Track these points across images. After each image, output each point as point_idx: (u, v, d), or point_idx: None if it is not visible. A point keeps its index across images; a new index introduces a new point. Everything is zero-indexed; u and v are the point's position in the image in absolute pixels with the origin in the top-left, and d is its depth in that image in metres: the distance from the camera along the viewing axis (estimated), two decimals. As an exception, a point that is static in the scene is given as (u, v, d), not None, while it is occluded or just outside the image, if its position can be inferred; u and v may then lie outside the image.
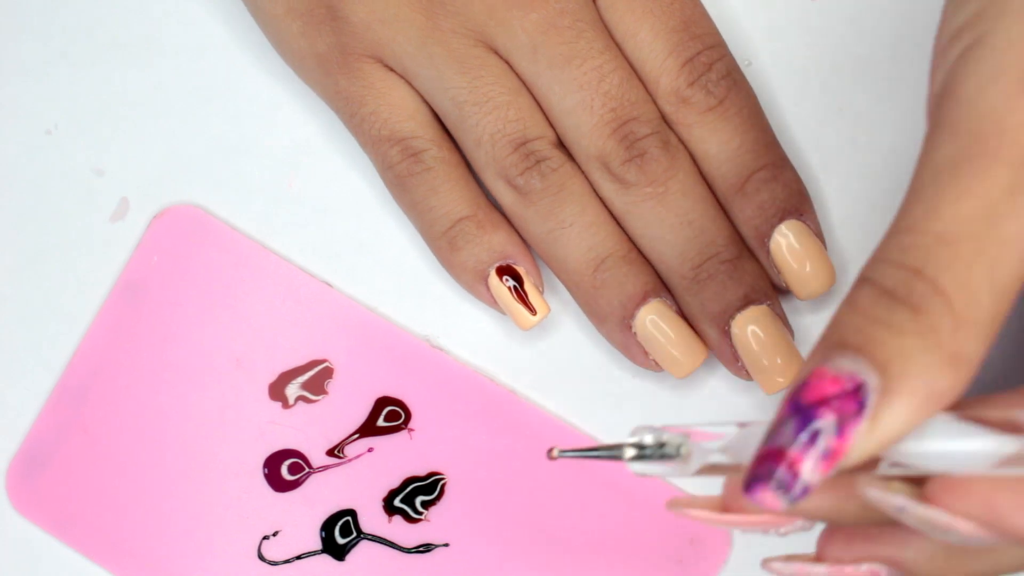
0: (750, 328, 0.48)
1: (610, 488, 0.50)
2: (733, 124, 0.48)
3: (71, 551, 0.52)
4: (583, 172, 0.49)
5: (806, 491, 0.34)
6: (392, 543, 0.51)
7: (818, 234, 0.49)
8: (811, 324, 0.51)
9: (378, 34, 0.49)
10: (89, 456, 0.52)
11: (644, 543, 0.50)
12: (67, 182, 0.53)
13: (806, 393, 0.34)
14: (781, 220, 0.48)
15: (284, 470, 0.51)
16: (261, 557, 0.51)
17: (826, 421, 0.34)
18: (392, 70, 0.49)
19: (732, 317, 0.48)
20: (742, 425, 0.37)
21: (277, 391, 0.52)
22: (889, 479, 0.35)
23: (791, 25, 0.52)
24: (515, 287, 0.50)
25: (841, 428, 0.34)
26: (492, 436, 0.51)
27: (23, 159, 0.53)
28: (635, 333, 0.49)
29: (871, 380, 0.34)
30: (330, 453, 0.51)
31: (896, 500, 0.35)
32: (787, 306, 0.50)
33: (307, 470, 0.51)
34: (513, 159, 0.48)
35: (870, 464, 0.36)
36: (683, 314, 0.49)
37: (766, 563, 0.40)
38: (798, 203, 0.49)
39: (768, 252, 0.49)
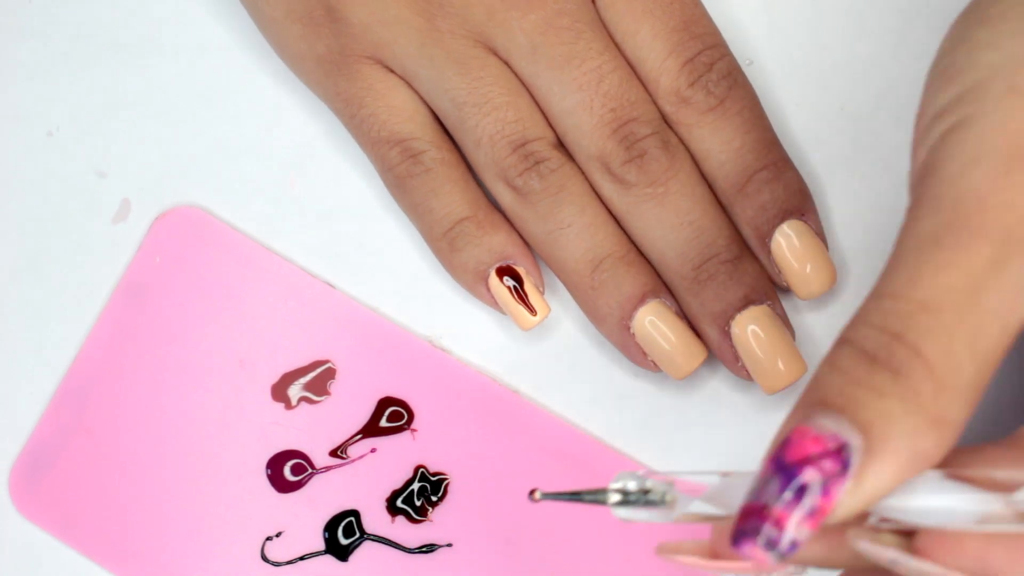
0: (750, 328, 0.48)
1: (613, 488, 0.51)
2: (734, 124, 0.49)
3: (74, 553, 0.52)
4: (583, 173, 0.49)
5: (794, 547, 0.34)
6: (395, 544, 0.51)
7: (819, 234, 0.49)
8: (812, 324, 0.51)
9: (378, 35, 0.49)
10: (92, 458, 0.52)
11: (646, 543, 0.50)
12: (69, 184, 0.53)
13: (789, 452, 0.35)
14: (783, 220, 0.49)
15: (287, 471, 0.51)
16: (264, 558, 0.51)
17: (810, 480, 0.34)
18: (392, 71, 0.49)
19: (732, 317, 0.48)
20: (725, 475, 0.37)
21: (280, 392, 0.52)
22: (879, 531, 0.35)
23: (792, 24, 0.52)
24: (515, 288, 0.50)
25: (826, 487, 0.34)
26: (495, 436, 0.51)
27: (25, 161, 0.53)
28: (634, 334, 0.49)
29: (854, 440, 0.34)
30: (333, 454, 0.51)
31: (888, 553, 0.35)
32: (788, 306, 0.51)
33: (310, 471, 0.51)
34: (512, 160, 0.49)
35: (859, 517, 0.36)
36: (683, 314, 0.50)
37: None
38: (800, 203, 0.49)
39: (769, 252, 0.49)
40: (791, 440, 0.35)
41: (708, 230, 0.48)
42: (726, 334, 0.48)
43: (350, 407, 0.51)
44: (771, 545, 0.34)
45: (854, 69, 0.51)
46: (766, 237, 0.49)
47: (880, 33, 0.51)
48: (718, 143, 0.49)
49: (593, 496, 0.38)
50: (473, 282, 0.50)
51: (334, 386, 0.51)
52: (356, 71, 0.49)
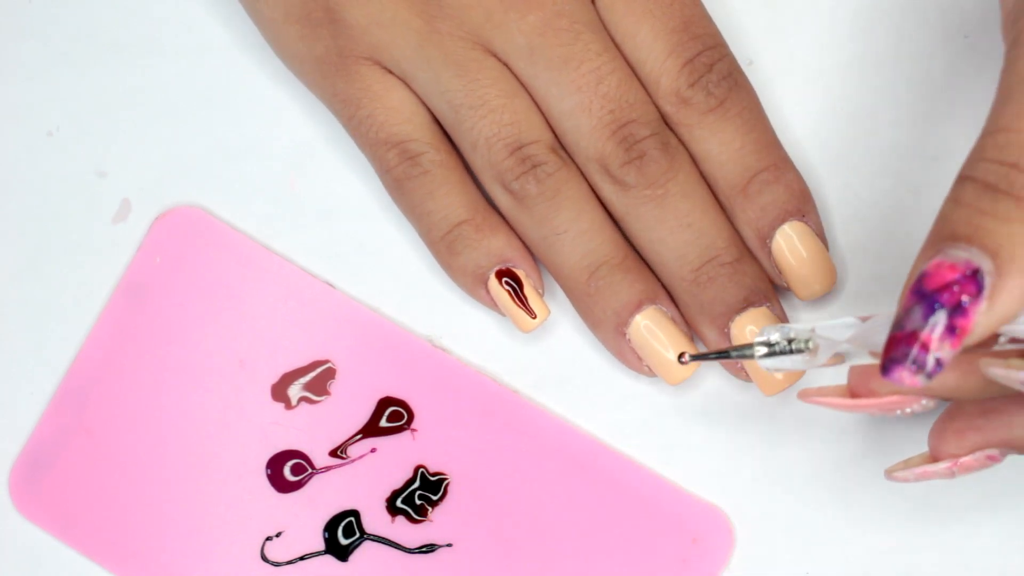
0: (749, 330, 0.48)
1: (614, 488, 0.50)
2: (734, 125, 0.48)
3: (74, 553, 0.52)
4: (582, 174, 0.49)
5: (939, 367, 0.38)
6: (395, 544, 0.51)
7: (820, 235, 0.49)
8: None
9: (376, 37, 0.49)
10: (92, 458, 0.51)
11: (647, 543, 0.50)
12: (69, 184, 0.53)
13: (928, 282, 0.38)
14: (783, 221, 0.48)
15: (287, 471, 0.51)
16: (264, 558, 0.51)
17: (951, 303, 0.37)
18: (390, 72, 0.49)
19: (732, 319, 0.48)
20: (863, 319, 0.41)
21: (280, 392, 0.52)
22: (1007, 354, 0.39)
23: (792, 24, 0.52)
24: (515, 290, 0.50)
25: (964, 308, 0.37)
26: (495, 436, 0.51)
27: (24, 161, 0.53)
28: (629, 339, 0.49)
29: (985, 264, 0.37)
30: (333, 454, 0.51)
31: (1018, 376, 0.38)
32: (787, 306, 0.51)
33: (310, 471, 0.51)
34: (509, 163, 0.48)
35: (989, 341, 0.40)
36: (679, 319, 0.49)
37: (888, 474, 0.44)
38: (800, 204, 0.49)
39: (770, 253, 0.49)
40: (929, 272, 0.38)
41: (708, 232, 0.48)
42: (725, 336, 0.48)
43: (350, 407, 0.51)
44: (920, 367, 0.38)
45: (854, 69, 0.51)
46: (767, 238, 0.49)
47: (880, 33, 0.51)
48: (718, 144, 0.49)
49: (740, 352, 0.43)
50: (472, 285, 0.50)
51: (334, 386, 0.51)
52: (354, 72, 0.49)
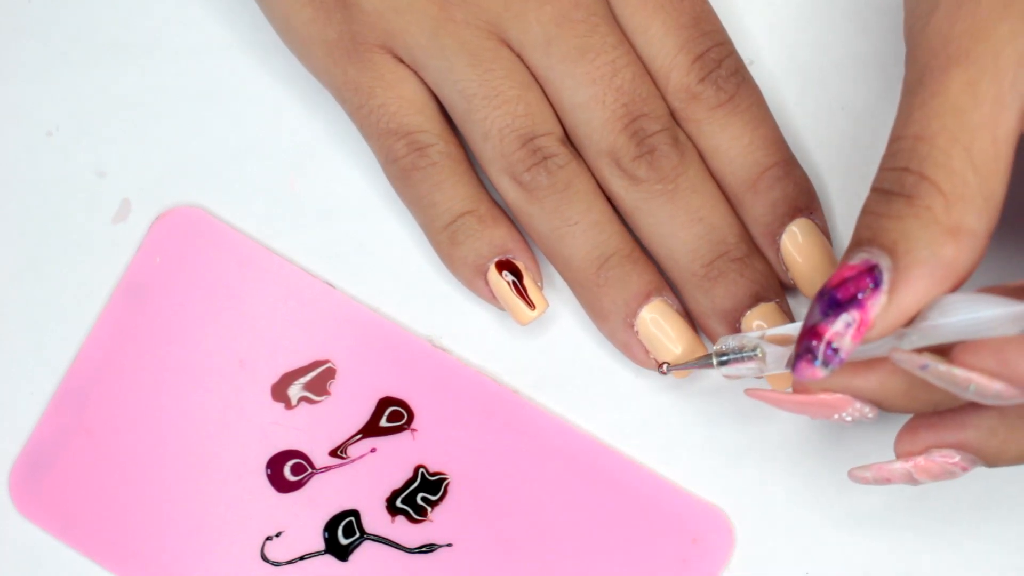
0: (756, 324, 0.48)
1: (613, 488, 0.50)
2: (743, 120, 0.49)
3: (74, 553, 0.52)
4: (591, 168, 0.49)
5: (838, 358, 0.40)
6: (395, 543, 0.51)
7: (825, 232, 0.49)
8: (812, 323, 0.51)
9: (390, 23, 0.49)
10: (92, 458, 0.51)
11: (647, 543, 0.50)
12: (68, 184, 0.53)
13: (829, 282, 0.40)
14: (792, 218, 0.49)
15: (287, 471, 0.51)
16: (264, 558, 0.51)
17: (845, 296, 0.40)
18: (402, 61, 0.49)
19: (743, 315, 0.48)
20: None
21: (280, 392, 0.52)
22: (920, 351, 0.40)
23: (793, 23, 0.52)
24: (514, 282, 0.50)
25: (861, 302, 0.40)
26: (495, 436, 0.51)
27: (24, 161, 0.53)
28: (637, 332, 0.49)
29: (883, 262, 0.40)
30: (333, 454, 0.51)
31: (919, 360, 0.39)
32: (792, 303, 0.51)
33: (310, 471, 0.51)
34: (520, 155, 0.48)
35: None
36: (684, 312, 0.50)
37: (850, 474, 0.44)
38: (808, 201, 0.49)
39: (778, 249, 0.49)
40: (832, 275, 0.40)
41: (718, 227, 0.49)
42: (736, 331, 0.49)
43: (350, 407, 0.51)
44: (821, 360, 0.40)
45: (854, 69, 0.51)
46: (776, 235, 0.49)
47: (880, 33, 0.51)
48: (727, 139, 0.49)
49: (700, 362, 0.46)
50: (472, 276, 0.50)
51: (334, 386, 0.51)
52: (367, 59, 0.49)
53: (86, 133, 0.53)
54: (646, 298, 0.49)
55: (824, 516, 0.51)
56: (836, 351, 0.40)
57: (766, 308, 0.49)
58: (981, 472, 0.50)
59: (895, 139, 0.41)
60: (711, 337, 0.49)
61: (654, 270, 0.49)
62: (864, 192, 0.51)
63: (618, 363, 0.51)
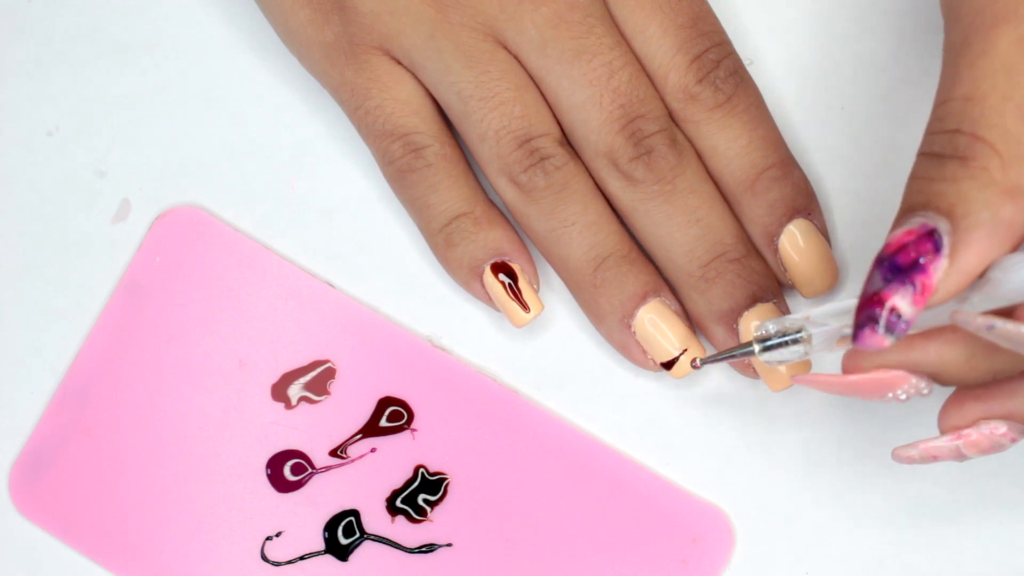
0: (754, 325, 0.48)
1: (613, 488, 0.50)
2: (741, 121, 0.49)
3: (74, 553, 0.52)
4: (588, 169, 0.49)
5: (904, 324, 0.39)
6: (395, 543, 0.51)
7: (824, 233, 0.49)
8: (812, 323, 0.51)
9: (387, 25, 0.49)
10: (92, 458, 0.52)
11: (647, 543, 0.50)
12: (69, 184, 0.53)
13: (887, 248, 0.39)
14: (790, 219, 0.49)
15: (287, 471, 0.51)
16: (264, 558, 0.51)
17: (907, 261, 0.39)
18: (399, 63, 0.49)
19: (740, 315, 0.48)
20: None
21: (280, 392, 0.52)
22: (985, 315, 0.39)
23: (792, 23, 0.52)
24: (510, 284, 0.50)
25: (923, 266, 0.39)
26: (495, 436, 0.51)
27: (24, 161, 0.53)
28: (634, 332, 0.49)
29: (941, 225, 0.39)
30: (333, 453, 0.51)
31: (983, 320, 0.39)
32: (792, 304, 0.51)
33: (310, 471, 0.51)
34: (517, 156, 0.49)
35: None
36: (682, 313, 0.50)
37: (894, 454, 0.43)
38: (806, 202, 0.49)
39: (776, 251, 0.49)
40: (888, 241, 0.39)
41: (715, 228, 0.49)
42: (733, 332, 0.49)
43: (350, 407, 0.51)
44: (884, 326, 0.39)
45: (854, 69, 0.51)
46: (774, 236, 0.49)
47: (880, 33, 0.51)
48: (725, 140, 0.49)
49: (742, 350, 0.44)
50: (468, 278, 0.50)
51: (334, 386, 0.51)
52: (364, 61, 0.49)
53: (86, 133, 0.53)
54: (643, 299, 0.49)
55: (824, 516, 0.51)
56: (900, 317, 0.39)
57: (764, 309, 0.48)
58: (981, 472, 0.50)
59: (943, 102, 0.40)
60: (709, 338, 0.49)
61: (652, 271, 0.49)
62: (863, 193, 0.51)
63: (618, 363, 0.51)
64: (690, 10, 0.49)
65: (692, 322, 0.50)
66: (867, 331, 0.39)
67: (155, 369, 0.52)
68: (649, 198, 0.48)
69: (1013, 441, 0.42)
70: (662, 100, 0.49)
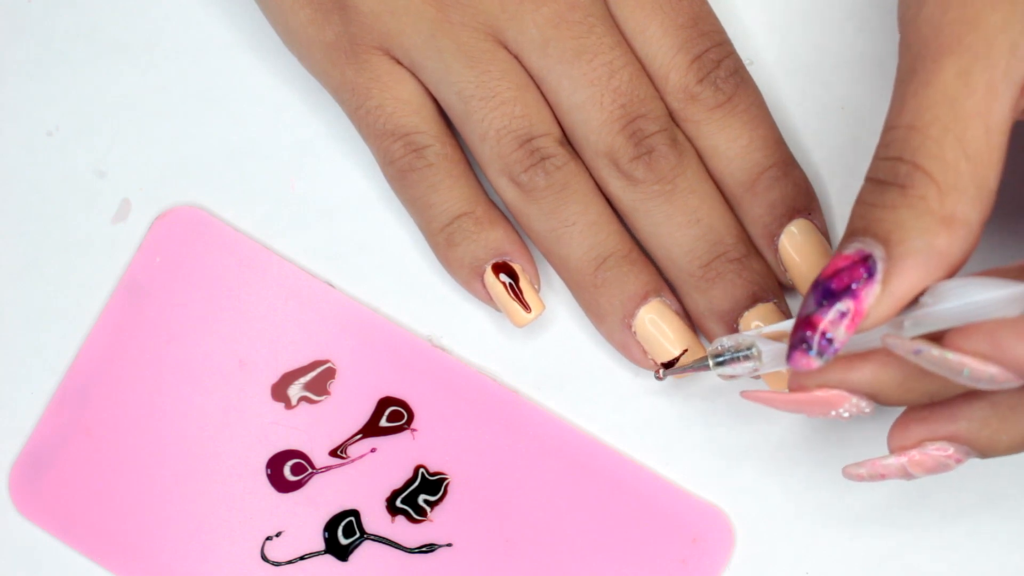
0: (755, 325, 0.48)
1: (613, 488, 0.50)
2: (741, 121, 0.49)
3: (74, 553, 0.52)
4: (589, 169, 0.49)
5: (832, 347, 0.40)
6: (395, 543, 0.51)
7: (824, 233, 0.49)
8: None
9: (387, 25, 0.49)
10: (92, 458, 0.52)
11: (647, 543, 0.50)
12: (68, 184, 0.53)
13: (823, 273, 0.40)
14: (790, 219, 0.49)
15: (287, 471, 0.51)
16: (264, 558, 0.51)
17: (840, 287, 0.40)
18: (399, 63, 0.49)
19: (741, 315, 0.48)
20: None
21: (280, 392, 0.52)
22: (914, 339, 0.40)
23: (792, 23, 0.52)
24: (511, 284, 0.50)
25: (855, 292, 0.40)
26: (495, 436, 0.51)
27: (24, 161, 0.53)
28: (635, 332, 0.49)
29: (876, 252, 0.40)
30: (333, 453, 0.51)
31: (911, 345, 0.40)
32: (792, 304, 0.51)
33: (310, 471, 0.51)
34: (518, 156, 0.49)
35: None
36: (683, 313, 0.50)
37: (845, 471, 0.44)
38: (807, 202, 0.49)
39: (776, 250, 0.49)
40: (826, 266, 0.40)
41: (716, 228, 0.49)
42: (733, 332, 0.49)
43: (350, 407, 0.51)
44: (815, 350, 0.40)
45: (854, 69, 0.51)
46: (774, 235, 0.49)
47: (880, 33, 0.51)
48: (725, 140, 0.49)
49: (698, 364, 0.45)
50: (469, 278, 0.50)
51: (334, 386, 0.51)
52: (364, 61, 0.49)
53: (86, 133, 0.53)
54: (643, 299, 0.49)
55: (824, 516, 0.51)
56: (831, 341, 0.40)
57: (764, 309, 0.49)
58: (981, 472, 0.50)
59: (889, 128, 0.41)
60: (709, 338, 0.50)
61: (652, 271, 0.49)
62: (864, 192, 0.51)
63: (618, 363, 0.51)
64: (690, 10, 0.49)
65: (693, 322, 0.50)
66: (798, 353, 0.40)
67: (155, 369, 0.52)
68: (649, 198, 0.48)
69: (958, 462, 0.43)
70: (663, 100, 0.49)
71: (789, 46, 0.52)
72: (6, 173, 0.53)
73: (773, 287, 0.49)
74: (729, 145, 0.49)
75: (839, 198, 0.51)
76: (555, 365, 0.51)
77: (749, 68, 0.51)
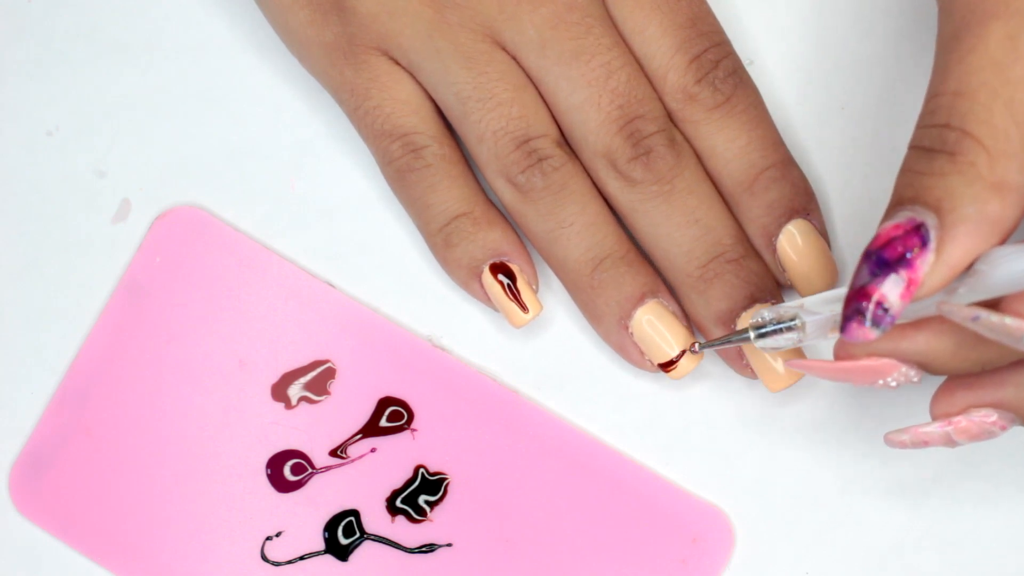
0: (751, 313, 0.48)
1: (613, 488, 0.50)
2: (740, 121, 0.49)
3: (74, 553, 0.52)
4: (587, 170, 0.49)
5: (890, 318, 0.40)
6: (395, 543, 0.51)
7: (823, 233, 0.49)
8: (812, 323, 0.51)
9: (385, 26, 0.49)
10: (92, 458, 0.52)
11: (647, 543, 0.50)
12: (68, 184, 0.53)
13: (875, 242, 0.40)
14: (789, 219, 0.49)
15: (287, 471, 0.51)
16: (264, 558, 0.51)
17: (894, 256, 0.39)
18: (397, 63, 0.49)
19: (738, 316, 0.48)
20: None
21: (280, 392, 0.52)
22: (971, 306, 0.40)
23: (792, 23, 0.52)
24: (509, 285, 0.50)
25: (910, 261, 0.39)
26: (495, 436, 0.51)
27: (24, 161, 0.53)
28: (632, 333, 0.49)
29: (929, 220, 0.39)
30: (333, 453, 0.51)
31: (969, 311, 0.39)
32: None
33: (310, 471, 0.51)
34: (515, 157, 0.49)
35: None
36: (681, 314, 0.50)
37: (886, 438, 0.44)
38: (805, 202, 0.49)
39: (775, 251, 0.49)
40: (877, 235, 0.40)
41: (714, 228, 0.49)
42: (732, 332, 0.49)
43: (350, 407, 0.51)
44: (870, 319, 0.40)
45: (854, 69, 0.51)
46: (773, 236, 0.49)
47: (880, 33, 0.51)
48: (724, 140, 0.49)
49: (739, 337, 0.45)
50: (467, 278, 0.50)
51: (334, 386, 0.51)
52: (363, 62, 0.49)
53: (86, 133, 0.53)
54: (640, 300, 0.49)
55: (824, 516, 0.51)
56: (886, 311, 0.40)
57: (761, 309, 0.48)
58: (981, 472, 0.50)
59: (933, 96, 0.40)
60: (707, 338, 0.49)
61: (650, 272, 0.49)
62: (863, 193, 0.51)
63: (618, 364, 0.51)
64: (689, 10, 0.49)
65: (691, 323, 0.50)
66: (854, 324, 0.40)
67: (155, 369, 0.52)
68: (648, 198, 0.48)
69: (1003, 429, 0.43)
70: (661, 100, 0.49)
71: (789, 46, 0.52)
72: (6, 173, 0.53)
73: (771, 287, 0.49)
74: (727, 145, 0.49)
75: (839, 198, 0.51)
76: (555, 365, 0.52)
77: (749, 68, 0.51)
